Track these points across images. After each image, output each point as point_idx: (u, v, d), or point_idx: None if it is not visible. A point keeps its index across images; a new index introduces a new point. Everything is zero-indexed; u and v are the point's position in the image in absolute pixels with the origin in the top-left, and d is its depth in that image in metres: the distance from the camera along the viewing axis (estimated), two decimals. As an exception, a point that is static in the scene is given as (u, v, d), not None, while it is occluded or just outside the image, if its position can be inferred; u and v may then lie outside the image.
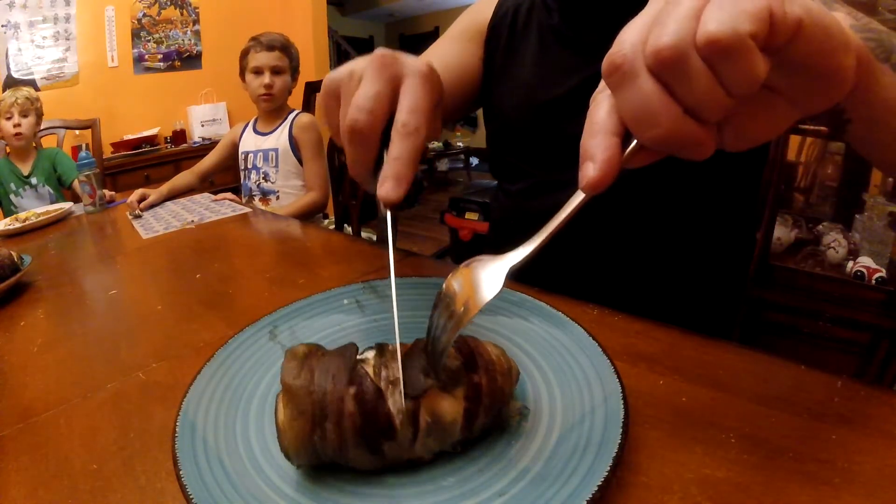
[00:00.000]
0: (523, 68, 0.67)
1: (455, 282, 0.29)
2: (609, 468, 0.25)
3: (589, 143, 0.24)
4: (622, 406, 0.29)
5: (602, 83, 0.24)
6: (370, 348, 0.32)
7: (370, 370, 0.29)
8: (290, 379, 0.29)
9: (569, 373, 0.35)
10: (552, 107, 0.63)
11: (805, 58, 0.21)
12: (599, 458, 0.26)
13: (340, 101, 0.34)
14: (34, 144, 1.79)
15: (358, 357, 0.30)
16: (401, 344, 0.30)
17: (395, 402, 0.28)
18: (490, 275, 0.27)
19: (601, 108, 0.24)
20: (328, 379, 0.28)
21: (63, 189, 1.80)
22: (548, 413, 0.32)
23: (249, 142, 1.63)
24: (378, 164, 0.33)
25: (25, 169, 1.73)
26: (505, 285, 0.26)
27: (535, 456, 0.29)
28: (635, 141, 0.23)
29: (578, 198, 0.25)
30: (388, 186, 0.31)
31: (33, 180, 1.73)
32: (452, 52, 0.73)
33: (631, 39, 0.22)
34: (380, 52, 0.35)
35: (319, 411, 0.27)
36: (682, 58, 0.20)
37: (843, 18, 0.35)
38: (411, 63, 0.34)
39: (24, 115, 1.69)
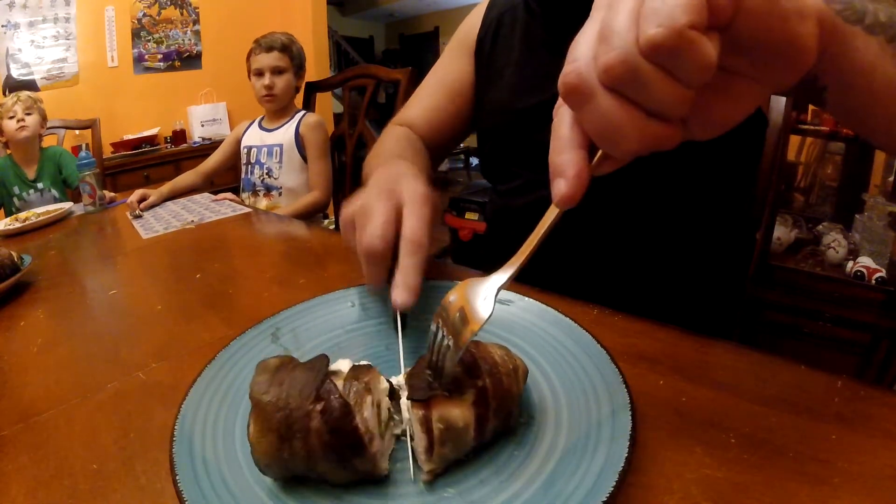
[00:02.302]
0: (508, 73, 0.68)
1: (452, 301, 0.30)
2: (614, 484, 0.25)
3: (557, 160, 0.24)
4: (630, 421, 0.28)
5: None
6: (344, 359, 0.32)
7: (340, 384, 0.29)
8: (258, 394, 0.28)
9: (576, 382, 0.34)
10: (537, 111, 0.64)
11: (754, 31, 0.21)
12: (604, 473, 0.26)
13: (356, 228, 0.41)
14: (38, 146, 1.75)
15: (330, 369, 0.30)
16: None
17: (364, 417, 0.28)
18: (482, 297, 0.29)
19: (564, 122, 0.25)
20: (295, 394, 0.28)
21: (68, 189, 1.76)
22: (553, 424, 0.31)
23: (254, 137, 1.63)
24: (391, 273, 0.39)
25: (31, 173, 1.70)
26: (495, 306, 0.28)
27: (538, 468, 0.28)
28: (601, 151, 0.24)
29: (553, 213, 0.26)
30: (400, 293, 0.36)
31: (39, 185, 1.70)
32: (450, 71, 0.77)
33: (583, 57, 0.22)
34: (384, 184, 0.43)
35: (286, 428, 0.27)
36: (631, 69, 0.20)
37: None
38: (410, 188, 0.42)
39: (27, 112, 1.67)
